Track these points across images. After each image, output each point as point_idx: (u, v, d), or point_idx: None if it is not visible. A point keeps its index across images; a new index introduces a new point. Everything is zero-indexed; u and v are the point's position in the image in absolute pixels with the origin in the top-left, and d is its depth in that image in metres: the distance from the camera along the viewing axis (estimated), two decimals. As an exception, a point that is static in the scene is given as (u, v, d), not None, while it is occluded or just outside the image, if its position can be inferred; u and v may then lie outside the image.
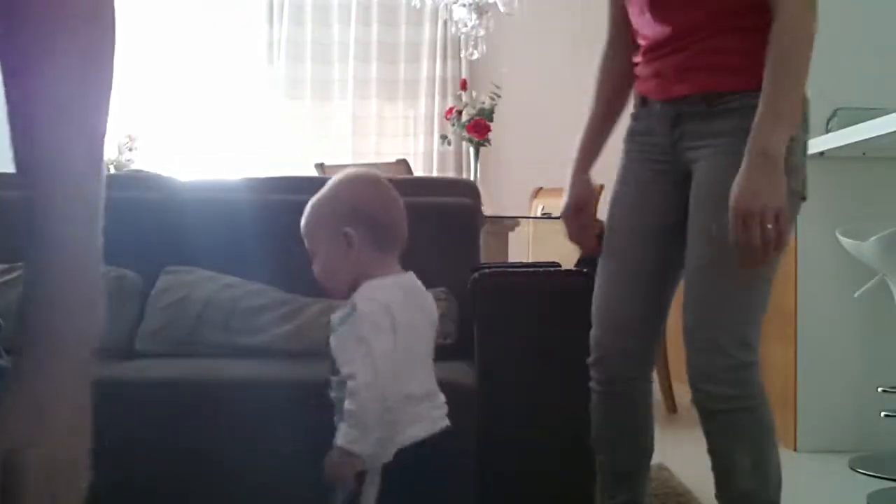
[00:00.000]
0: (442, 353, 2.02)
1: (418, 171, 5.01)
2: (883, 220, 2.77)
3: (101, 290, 0.61)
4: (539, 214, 4.09)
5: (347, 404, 1.26)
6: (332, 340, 1.33)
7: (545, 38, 5.21)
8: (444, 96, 5.24)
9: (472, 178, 4.17)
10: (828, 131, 2.96)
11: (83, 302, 0.58)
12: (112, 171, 4.58)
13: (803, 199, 1.48)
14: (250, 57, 5.36)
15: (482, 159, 4.27)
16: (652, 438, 1.67)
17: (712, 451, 1.51)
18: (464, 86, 4.41)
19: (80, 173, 0.62)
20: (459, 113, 4.08)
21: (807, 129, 1.49)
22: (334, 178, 1.46)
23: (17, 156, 0.60)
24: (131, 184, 2.58)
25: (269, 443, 1.71)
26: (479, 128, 3.98)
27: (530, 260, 3.97)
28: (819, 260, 3.01)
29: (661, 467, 2.53)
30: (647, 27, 1.57)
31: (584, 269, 1.81)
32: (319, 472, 1.30)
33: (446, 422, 1.40)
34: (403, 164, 3.77)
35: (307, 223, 1.42)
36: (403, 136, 5.37)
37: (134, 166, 4.58)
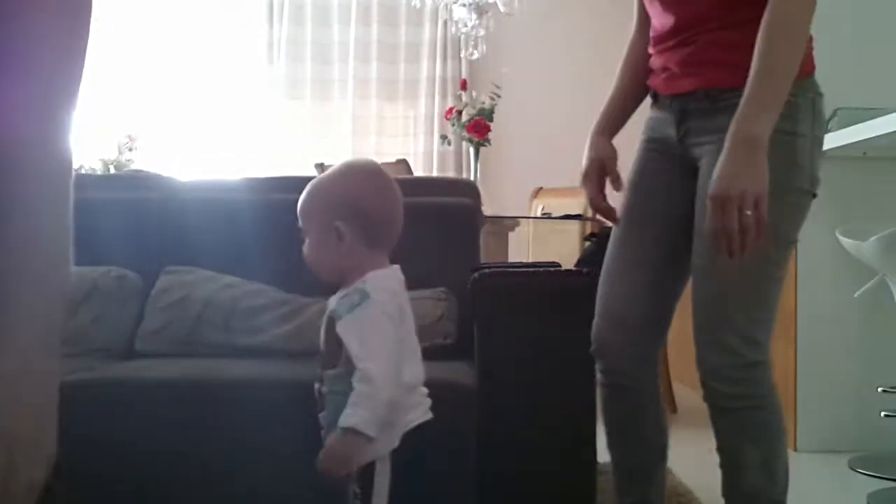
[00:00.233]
0: (442, 353, 2.03)
1: (418, 171, 5.01)
2: (883, 220, 2.77)
3: (69, 270, 0.60)
4: (539, 214, 4.09)
5: (361, 387, 1.25)
6: (341, 326, 1.31)
7: (545, 38, 5.21)
8: (444, 96, 5.24)
9: (472, 178, 4.17)
10: (828, 131, 2.95)
11: (50, 280, 0.58)
12: (112, 171, 4.58)
13: (814, 196, 1.48)
14: (250, 57, 5.37)
15: (482, 159, 4.27)
16: (663, 436, 1.65)
17: (721, 449, 1.51)
18: (464, 86, 4.41)
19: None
20: (459, 113, 4.08)
21: (819, 125, 1.47)
22: (340, 165, 1.45)
23: None
24: (131, 184, 2.59)
25: (269, 443, 1.71)
26: (479, 128, 3.98)
27: (530, 260, 3.97)
28: (819, 260, 3.01)
29: (661, 467, 2.53)
30: (656, 17, 1.57)
31: (584, 269, 1.81)
32: (318, 465, 1.29)
33: (430, 414, 1.41)
34: (403, 164, 3.77)
35: (304, 204, 1.41)
36: (403, 136, 5.37)
37: (134, 166, 4.58)
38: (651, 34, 1.59)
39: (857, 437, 2.95)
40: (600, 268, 1.66)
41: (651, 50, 1.60)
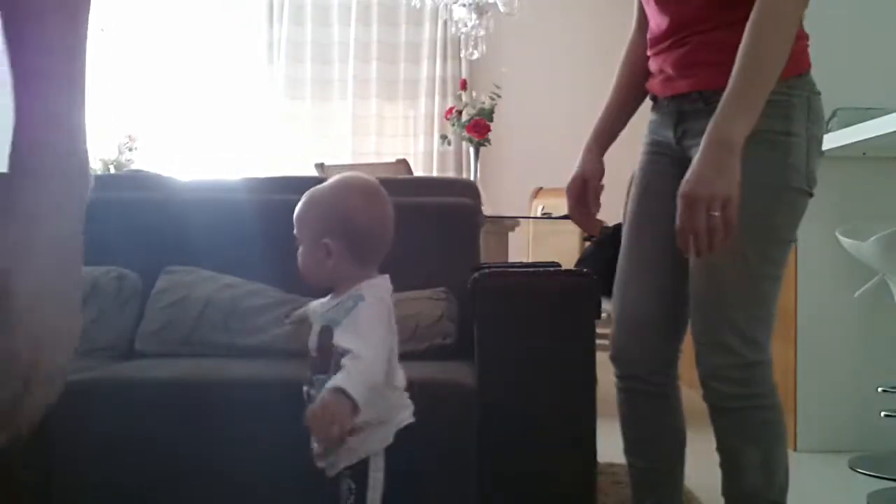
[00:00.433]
0: (442, 353, 2.03)
1: (418, 171, 5.01)
2: (883, 220, 2.77)
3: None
4: (539, 214, 4.09)
5: (351, 363, 1.28)
6: (339, 333, 1.35)
7: (545, 38, 5.21)
8: (444, 96, 5.25)
9: (472, 178, 4.17)
10: (828, 131, 2.96)
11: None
12: (112, 171, 4.59)
13: (811, 195, 1.48)
14: (250, 57, 5.37)
15: (482, 159, 4.27)
16: (681, 442, 1.64)
17: (721, 449, 1.51)
18: (464, 86, 4.41)
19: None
20: (459, 113, 4.08)
21: (816, 124, 1.46)
22: (336, 179, 1.48)
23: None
24: (131, 184, 2.58)
25: (269, 442, 1.71)
26: (479, 128, 3.98)
27: (530, 260, 3.97)
28: (819, 260, 3.01)
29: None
30: (652, 18, 1.57)
31: (584, 269, 1.81)
32: (305, 421, 1.29)
33: (413, 418, 1.46)
34: (403, 164, 3.77)
35: (299, 214, 1.46)
36: (403, 136, 5.38)
37: (134, 166, 4.58)
38: (648, 36, 1.59)
39: (857, 437, 2.95)
40: (600, 268, 1.66)
41: (649, 52, 1.60)
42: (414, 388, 1.49)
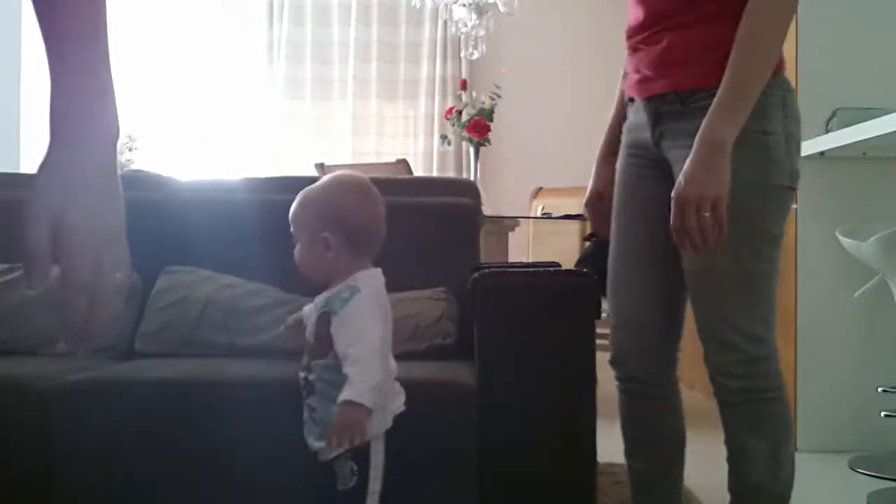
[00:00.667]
0: (442, 353, 2.03)
1: (418, 171, 5.01)
2: (883, 220, 2.77)
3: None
4: (539, 214, 4.09)
5: (353, 368, 1.37)
6: (336, 322, 1.43)
7: (545, 38, 5.21)
8: (444, 96, 5.25)
9: (472, 178, 4.17)
10: (828, 131, 2.96)
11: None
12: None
13: (793, 190, 1.48)
14: (250, 57, 5.37)
15: (482, 159, 4.27)
16: (681, 443, 1.64)
17: (728, 443, 1.52)
18: (464, 86, 4.41)
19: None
20: (459, 113, 4.08)
21: (791, 119, 1.47)
22: (329, 178, 1.57)
23: None
24: (131, 184, 2.58)
25: (269, 443, 1.71)
26: (479, 128, 3.98)
27: (530, 260, 3.97)
28: (819, 260, 3.01)
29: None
30: (631, 9, 1.58)
31: (584, 269, 1.81)
32: (328, 439, 1.37)
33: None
34: (403, 164, 3.77)
35: (295, 214, 1.54)
36: (403, 136, 5.38)
37: (134, 166, 4.58)
38: (626, 29, 1.60)
39: (857, 437, 2.95)
40: (600, 268, 1.66)
41: (626, 47, 1.60)
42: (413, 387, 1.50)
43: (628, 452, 1.65)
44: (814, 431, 2.98)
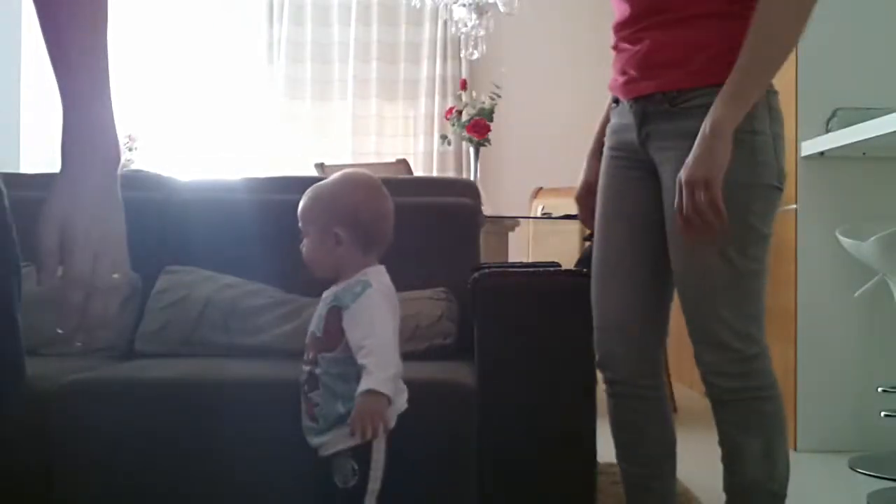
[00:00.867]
0: (442, 353, 2.03)
1: (418, 171, 5.01)
2: (883, 220, 2.77)
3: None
4: (539, 214, 4.09)
5: (368, 360, 1.40)
6: (347, 316, 1.45)
7: (545, 38, 5.21)
8: (444, 96, 5.24)
9: (472, 178, 4.17)
10: (828, 131, 2.96)
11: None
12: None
13: (781, 190, 1.49)
14: (250, 57, 5.37)
15: (482, 159, 4.27)
16: (672, 442, 1.63)
17: (722, 442, 1.51)
18: (464, 86, 4.41)
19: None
20: (459, 113, 4.08)
21: (776, 120, 1.47)
22: (341, 175, 1.59)
23: None
24: (131, 184, 2.58)
25: (269, 443, 1.71)
26: (479, 128, 3.98)
27: (530, 260, 3.97)
28: (819, 260, 3.01)
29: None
30: (615, 6, 1.58)
31: (584, 269, 1.81)
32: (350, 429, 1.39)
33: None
34: (403, 164, 3.77)
35: (305, 209, 1.55)
36: (403, 136, 5.37)
37: (134, 166, 4.58)
38: (612, 26, 1.60)
39: (857, 437, 2.95)
40: None
41: (612, 45, 1.60)
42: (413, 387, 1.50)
43: (620, 455, 1.64)
44: (814, 431, 2.98)
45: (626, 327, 1.57)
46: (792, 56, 3.02)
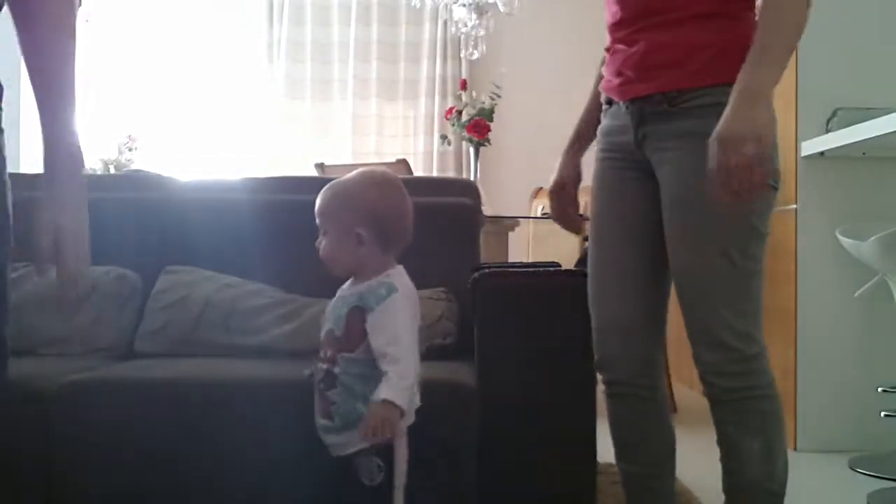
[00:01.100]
0: (442, 353, 2.03)
1: (418, 171, 5.01)
2: (883, 220, 2.77)
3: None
4: (539, 214, 4.09)
5: (391, 368, 1.40)
6: (372, 319, 1.45)
7: (545, 38, 5.21)
8: (444, 96, 5.24)
9: (472, 178, 4.17)
10: (828, 131, 2.96)
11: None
12: (112, 171, 4.58)
13: (776, 189, 1.49)
14: (250, 57, 5.36)
15: (482, 159, 4.27)
16: (671, 442, 1.63)
17: (721, 442, 1.51)
18: (464, 86, 4.41)
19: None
20: (459, 113, 4.08)
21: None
22: (360, 173, 1.57)
23: None
24: (131, 184, 2.58)
25: (269, 443, 1.71)
26: (479, 128, 3.98)
27: (530, 260, 3.97)
28: (819, 260, 3.01)
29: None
30: (608, 7, 1.57)
31: (584, 270, 1.81)
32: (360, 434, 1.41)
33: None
34: (403, 164, 3.77)
35: (327, 206, 1.53)
36: (403, 136, 5.37)
37: (134, 166, 4.58)
38: (606, 27, 1.59)
39: (857, 437, 2.95)
40: None
41: (606, 45, 1.60)
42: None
43: (619, 456, 1.64)
44: (814, 431, 2.98)
45: (624, 328, 1.57)
46: (792, 56, 3.02)
